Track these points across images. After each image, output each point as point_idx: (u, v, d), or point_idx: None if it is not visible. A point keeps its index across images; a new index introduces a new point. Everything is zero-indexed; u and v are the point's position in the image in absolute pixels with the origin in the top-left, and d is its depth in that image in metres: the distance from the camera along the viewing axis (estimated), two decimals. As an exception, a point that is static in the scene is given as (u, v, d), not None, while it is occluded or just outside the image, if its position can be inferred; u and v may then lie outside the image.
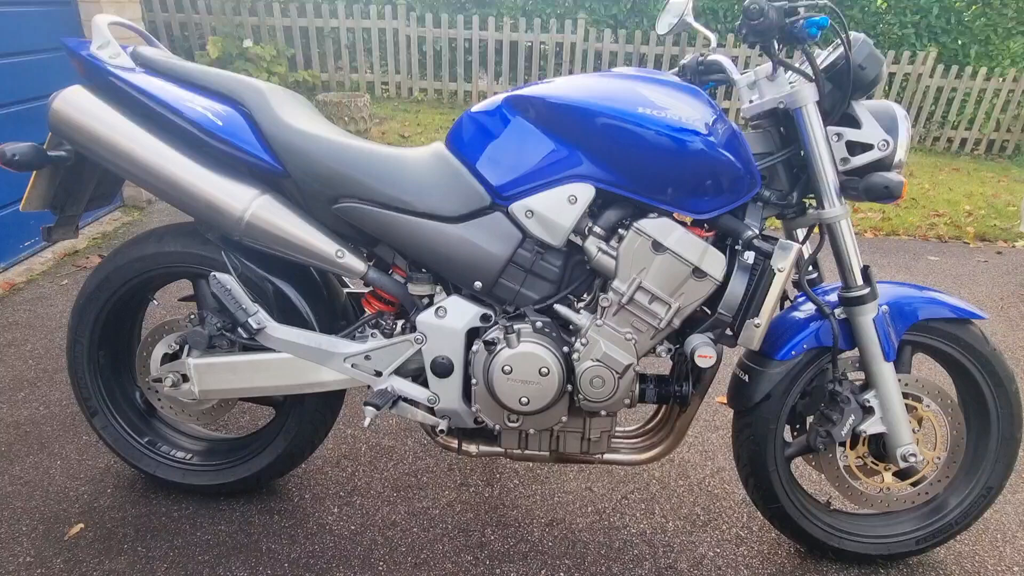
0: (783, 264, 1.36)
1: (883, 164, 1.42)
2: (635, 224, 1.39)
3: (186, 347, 1.61)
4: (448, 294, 1.53)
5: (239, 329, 1.49)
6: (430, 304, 1.53)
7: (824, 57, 1.45)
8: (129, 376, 1.80)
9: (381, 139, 6.08)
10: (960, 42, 7.51)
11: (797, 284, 1.55)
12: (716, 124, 1.37)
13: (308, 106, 1.65)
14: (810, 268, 1.66)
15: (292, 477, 1.90)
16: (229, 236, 1.47)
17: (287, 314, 1.58)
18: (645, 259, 1.39)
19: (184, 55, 7.74)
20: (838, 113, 1.43)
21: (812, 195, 1.48)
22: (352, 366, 1.53)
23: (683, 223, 1.43)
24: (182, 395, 1.62)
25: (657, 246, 1.38)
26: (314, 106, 1.69)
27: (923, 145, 7.63)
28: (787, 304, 1.65)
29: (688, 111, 1.36)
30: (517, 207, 1.43)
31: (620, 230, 1.42)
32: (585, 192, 1.40)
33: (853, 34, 1.41)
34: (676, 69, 1.67)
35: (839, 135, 1.42)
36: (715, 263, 1.39)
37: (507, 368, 1.43)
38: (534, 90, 1.42)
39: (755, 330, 1.40)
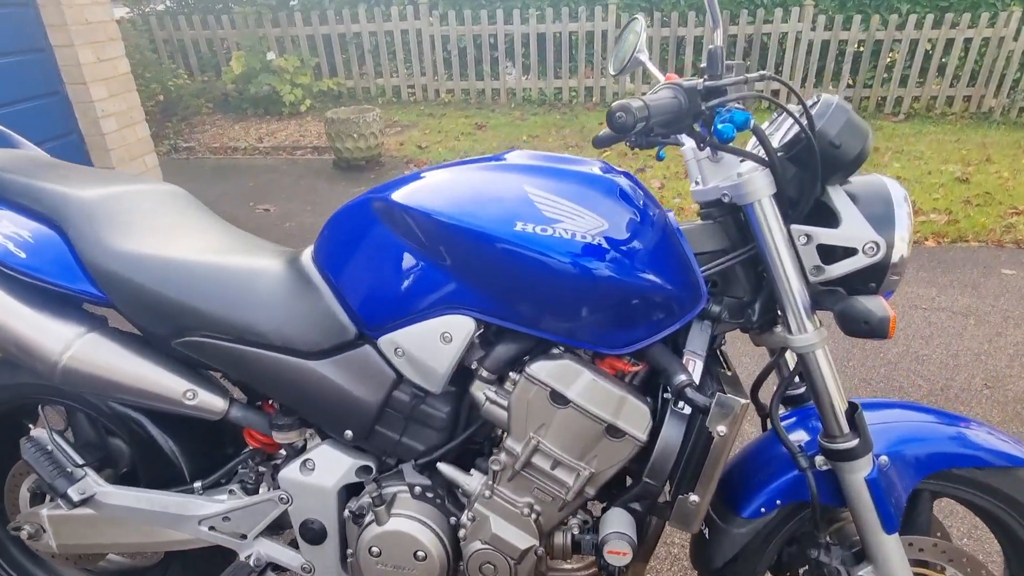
0: (723, 427, 1.00)
1: (875, 270, 1.03)
2: (527, 369, 1.05)
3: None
4: (322, 438, 1.25)
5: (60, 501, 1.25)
6: (304, 450, 1.25)
7: (784, 132, 1.06)
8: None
9: (398, 150, 5.83)
10: (1051, -3, 6.55)
11: (768, 415, 1.18)
12: (635, 231, 1.02)
13: (177, 205, 1.39)
14: (795, 379, 1.29)
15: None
16: (48, 383, 1.23)
17: (149, 456, 1.34)
18: (543, 413, 1.06)
19: (212, 72, 7.77)
20: (809, 202, 1.04)
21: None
22: (210, 528, 1.27)
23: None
24: (42, 547, 1.41)
25: (557, 397, 1.05)
26: (192, 201, 1.43)
27: (1007, 118, 6.74)
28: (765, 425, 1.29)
29: (588, 221, 1.01)
30: (385, 342, 1.13)
31: (512, 373, 1.09)
32: (462, 327, 1.07)
33: (825, 97, 1.02)
34: None
35: (808, 237, 1.03)
36: (636, 419, 1.04)
37: (375, 550, 1.13)
38: (398, 193, 1.10)
39: (692, 508, 1.05)
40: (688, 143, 1.16)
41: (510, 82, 7.60)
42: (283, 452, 1.29)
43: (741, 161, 1.05)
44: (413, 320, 1.09)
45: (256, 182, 5.20)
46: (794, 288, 1.03)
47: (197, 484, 1.32)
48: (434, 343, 1.08)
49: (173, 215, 1.36)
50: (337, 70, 7.74)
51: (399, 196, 1.09)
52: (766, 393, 1.20)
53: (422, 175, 1.14)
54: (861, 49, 6.83)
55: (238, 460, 1.34)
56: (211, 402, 1.25)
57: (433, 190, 1.08)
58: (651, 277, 1.01)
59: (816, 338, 1.04)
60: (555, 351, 1.08)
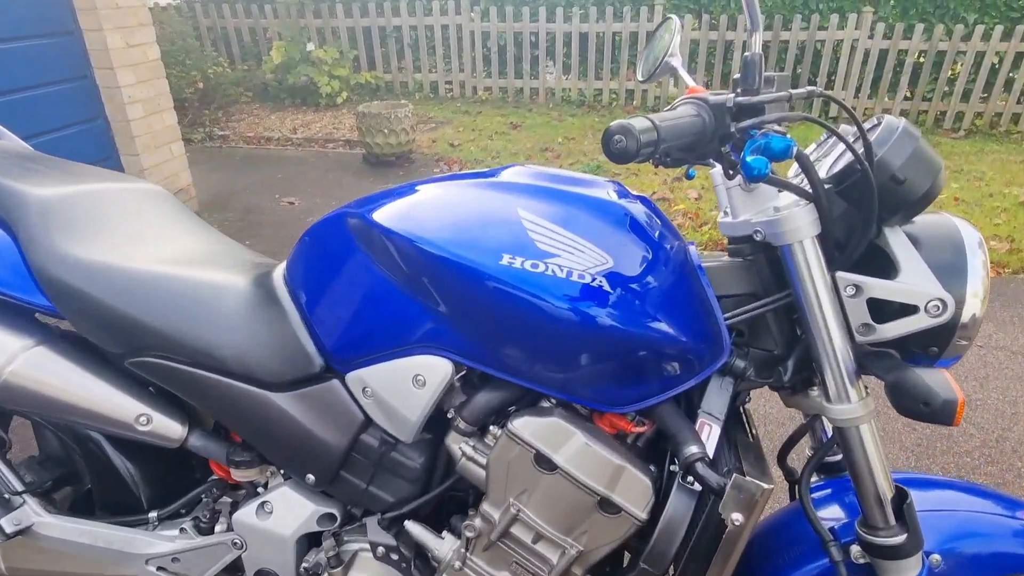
0: (739, 515, 0.82)
1: (939, 331, 0.84)
2: (509, 425, 0.90)
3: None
4: (284, 478, 1.11)
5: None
6: (264, 488, 1.12)
7: (834, 159, 0.88)
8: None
9: (430, 147, 5.72)
10: None
11: (798, 482, 1.00)
12: (646, 270, 0.85)
13: (152, 207, 1.27)
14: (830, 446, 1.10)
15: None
16: (-10, 401, 1.13)
17: (105, 479, 1.22)
18: (526, 478, 0.90)
19: (253, 61, 7.79)
20: (860, 246, 0.86)
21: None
22: (158, 569, 1.15)
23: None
24: (-7, 568, 1.31)
25: (543, 461, 0.89)
26: (171, 203, 1.32)
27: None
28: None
29: (590, 256, 0.84)
30: (353, 379, 0.98)
31: (493, 427, 0.94)
32: (438, 370, 0.92)
33: (887, 120, 0.84)
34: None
35: (857, 288, 0.85)
36: (635, 493, 0.88)
37: (328, 619, 0.99)
38: (376, 212, 0.96)
39: (697, 606, 0.88)
40: (717, 169, 0.99)
41: (549, 81, 7.42)
42: (206, 512, 1.16)
43: (779, 192, 0.88)
44: (383, 357, 0.95)
45: (285, 174, 5.14)
46: (836, 348, 0.85)
47: (153, 514, 1.20)
48: (405, 386, 0.93)
49: (144, 218, 1.24)
50: (376, 63, 7.68)
51: (376, 215, 0.94)
52: (798, 453, 1.03)
53: (409, 190, 0.99)
54: (922, 60, 6.46)
55: (201, 489, 1.21)
56: (167, 428, 1.12)
57: (414, 211, 0.93)
58: (663, 326, 0.85)
59: (860, 411, 0.86)
60: (545, 404, 0.92)
